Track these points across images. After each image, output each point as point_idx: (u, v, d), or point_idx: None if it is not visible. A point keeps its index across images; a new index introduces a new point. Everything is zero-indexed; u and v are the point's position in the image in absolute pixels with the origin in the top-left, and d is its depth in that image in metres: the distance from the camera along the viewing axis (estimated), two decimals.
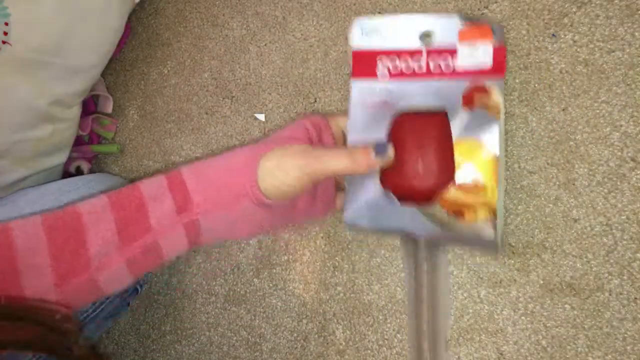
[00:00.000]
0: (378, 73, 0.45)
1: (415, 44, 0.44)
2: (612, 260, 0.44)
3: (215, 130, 0.63)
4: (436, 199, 0.42)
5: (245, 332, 0.59)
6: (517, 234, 0.47)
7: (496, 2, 0.50)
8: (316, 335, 0.55)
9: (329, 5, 0.58)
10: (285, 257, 0.57)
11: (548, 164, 0.47)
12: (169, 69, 0.67)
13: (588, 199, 0.45)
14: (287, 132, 0.44)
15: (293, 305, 0.56)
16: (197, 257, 0.62)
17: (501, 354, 0.47)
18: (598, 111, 0.45)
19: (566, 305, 0.45)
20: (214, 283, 0.61)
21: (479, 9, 0.50)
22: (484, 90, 0.42)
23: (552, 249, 0.46)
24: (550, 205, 0.46)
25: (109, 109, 0.69)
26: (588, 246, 0.45)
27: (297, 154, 0.39)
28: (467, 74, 0.43)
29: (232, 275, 0.60)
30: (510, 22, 0.49)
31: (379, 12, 0.56)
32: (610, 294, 0.44)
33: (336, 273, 0.54)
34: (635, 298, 0.43)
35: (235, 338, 0.59)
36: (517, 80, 0.48)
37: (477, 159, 0.41)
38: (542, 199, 0.47)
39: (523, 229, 0.47)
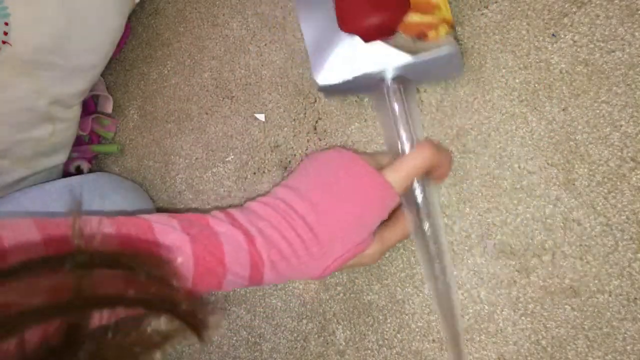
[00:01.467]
0: None
1: None
2: (612, 261, 0.44)
3: (215, 130, 0.63)
4: (397, 27, 0.44)
5: (245, 332, 0.59)
6: (517, 235, 0.47)
7: (496, 2, 0.50)
8: (316, 335, 0.55)
9: None
10: None
11: (548, 164, 0.47)
12: (169, 69, 0.67)
13: (588, 199, 0.45)
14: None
15: (293, 305, 0.56)
16: None
17: (501, 354, 0.47)
18: (598, 111, 0.45)
19: (566, 306, 0.45)
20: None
21: (478, 9, 0.50)
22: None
23: (552, 250, 0.46)
24: (550, 205, 0.46)
25: (109, 109, 0.69)
26: (588, 247, 0.45)
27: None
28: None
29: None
30: (510, 22, 0.49)
31: None
32: (610, 295, 0.44)
33: (336, 273, 0.54)
34: (635, 298, 0.43)
35: (235, 338, 0.59)
36: (517, 80, 0.48)
37: None
38: (542, 199, 0.46)
39: (523, 230, 0.47)
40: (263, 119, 0.60)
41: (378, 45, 0.45)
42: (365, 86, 0.49)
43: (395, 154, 0.46)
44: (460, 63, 0.46)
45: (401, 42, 0.44)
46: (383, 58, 0.45)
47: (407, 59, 0.44)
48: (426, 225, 0.45)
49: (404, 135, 0.46)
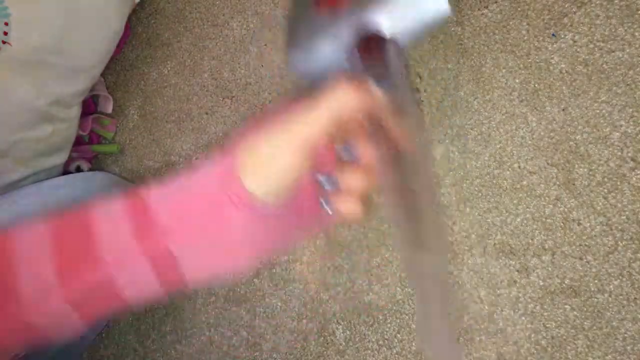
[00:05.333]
0: None
1: None
2: (612, 261, 0.44)
3: (215, 130, 0.63)
4: None
5: (245, 332, 0.59)
6: (517, 235, 0.47)
7: (496, 2, 0.50)
8: (316, 335, 0.55)
9: None
10: (285, 257, 0.57)
11: (548, 164, 0.47)
12: (169, 69, 0.67)
13: (588, 199, 0.45)
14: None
15: (293, 305, 0.56)
16: None
17: (501, 354, 0.47)
18: (598, 111, 0.45)
19: (566, 306, 0.45)
20: (214, 283, 0.61)
21: (478, 9, 0.50)
22: None
23: (552, 250, 0.46)
24: (550, 205, 0.46)
25: (109, 109, 0.69)
26: (588, 247, 0.45)
27: (283, 127, 0.28)
28: None
29: (232, 275, 0.60)
30: (510, 22, 0.49)
31: None
32: (610, 295, 0.44)
33: (336, 273, 0.54)
34: (635, 298, 0.43)
35: (235, 338, 0.59)
36: (517, 80, 0.48)
37: None
38: (542, 199, 0.46)
39: (523, 230, 0.47)
40: None
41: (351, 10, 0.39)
42: (335, 64, 0.40)
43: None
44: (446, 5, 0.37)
45: None
46: (358, 17, 0.38)
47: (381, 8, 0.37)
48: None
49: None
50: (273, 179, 0.28)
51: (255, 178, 0.28)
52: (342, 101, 0.28)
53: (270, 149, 0.28)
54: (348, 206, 0.30)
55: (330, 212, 0.31)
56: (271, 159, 0.28)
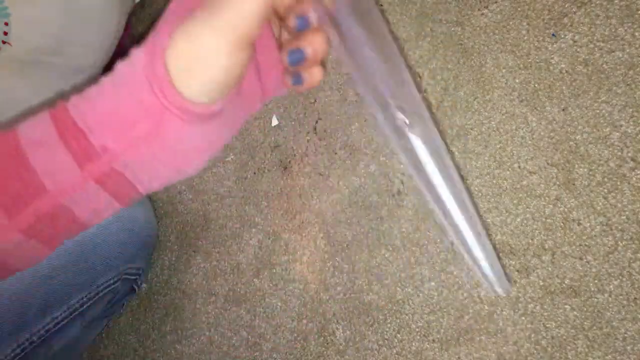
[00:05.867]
0: None
1: None
2: (612, 261, 0.44)
3: None
4: None
5: (245, 332, 0.59)
6: (517, 235, 0.47)
7: (496, 2, 0.50)
8: (316, 335, 0.55)
9: None
10: (285, 257, 0.57)
11: (548, 164, 0.47)
12: None
13: (588, 199, 0.45)
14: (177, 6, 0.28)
15: (293, 305, 0.56)
16: (197, 257, 0.62)
17: (501, 354, 0.47)
18: (598, 111, 0.45)
19: (566, 306, 0.45)
20: (214, 283, 0.61)
21: (479, 9, 0.50)
22: None
23: (552, 250, 0.46)
24: (550, 205, 0.46)
25: None
26: (588, 247, 0.45)
27: (206, 19, 0.24)
28: None
29: (232, 275, 0.60)
30: (510, 22, 0.49)
31: (379, 12, 0.56)
32: (610, 295, 0.44)
33: (336, 273, 0.54)
34: (635, 298, 0.43)
35: (235, 338, 0.59)
36: (517, 80, 0.48)
37: None
38: (542, 199, 0.46)
39: (523, 230, 0.47)
40: (277, 122, 0.60)
41: None
42: None
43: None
44: None
45: None
46: None
47: None
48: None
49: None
50: (212, 82, 0.25)
51: (190, 84, 0.25)
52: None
53: (203, 50, 0.24)
54: (315, 73, 0.29)
55: (300, 84, 0.29)
56: (206, 63, 0.24)
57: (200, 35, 0.24)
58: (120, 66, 0.26)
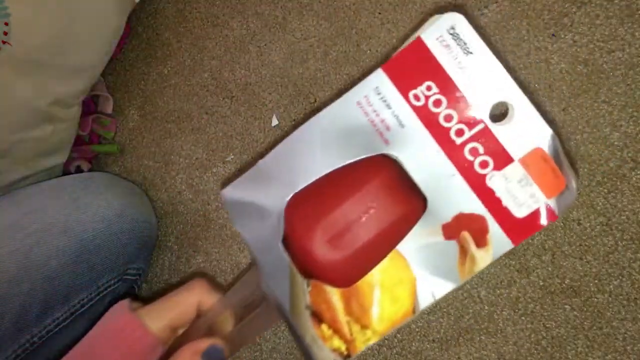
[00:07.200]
0: (411, 93, 0.28)
1: (482, 109, 0.27)
2: (612, 261, 0.44)
3: (215, 130, 0.63)
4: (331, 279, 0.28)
5: None
6: None
7: (496, 2, 0.50)
8: None
9: (328, 5, 0.58)
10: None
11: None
12: (169, 69, 0.67)
13: (588, 199, 0.45)
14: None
15: None
16: (197, 257, 0.62)
17: (501, 354, 0.47)
18: (598, 111, 0.45)
19: (566, 306, 0.45)
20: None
21: (479, 9, 0.50)
22: (482, 241, 0.27)
23: (552, 250, 0.46)
24: None
25: (109, 109, 0.69)
26: (588, 247, 0.45)
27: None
28: (489, 199, 0.27)
29: (232, 275, 0.60)
30: (510, 22, 0.49)
31: (379, 13, 0.56)
32: (610, 295, 0.44)
33: None
34: (635, 298, 0.43)
35: None
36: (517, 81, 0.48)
37: (398, 283, 0.28)
38: None
39: None
40: (277, 122, 0.60)
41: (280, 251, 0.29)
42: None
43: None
44: None
45: (299, 296, 0.29)
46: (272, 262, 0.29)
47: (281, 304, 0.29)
48: None
49: None
50: None
51: None
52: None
53: None
54: None
55: None
56: None
57: None
58: None
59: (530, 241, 0.47)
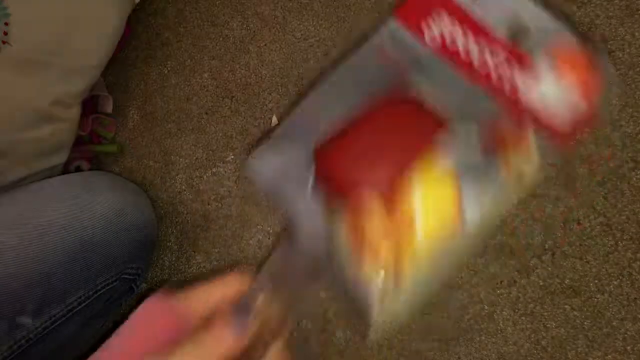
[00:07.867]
0: (426, 34, 0.28)
1: (500, 30, 0.27)
2: (612, 261, 0.44)
3: (215, 130, 0.63)
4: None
5: None
6: (517, 235, 0.47)
7: None
8: (316, 336, 0.55)
9: (328, 5, 0.58)
10: None
11: (548, 164, 0.47)
12: (169, 69, 0.67)
13: (588, 199, 0.45)
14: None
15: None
16: (197, 257, 0.62)
17: (501, 354, 0.47)
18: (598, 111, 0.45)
19: (566, 306, 0.45)
20: None
21: None
22: (525, 149, 0.27)
23: (552, 250, 0.46)
24: (550, 205, 0.46)
25: (109, 109, 0.69)
26: (588, 247, 0.45)
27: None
28: (525, 113, 0.27)
29: None
30: None
31: (379, 13, 0.56)
32: (610, 295, 0.44)
33: None
34: (635, 298, 0.43)
35: None
36: None
37: (439, 204, 0.27)
38: (542, 199, 0.46)
39: (523, 230, 0.47)
40: (277, 122, 0.60)
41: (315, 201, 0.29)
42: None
43: None
44: (371, 317, 0.30)
45: (337, 226, 0.29)
46: (308, 210, 0.30)
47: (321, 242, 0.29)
48: None
49: None
50: None
51: None
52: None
53: None
54: None
55: None
56: None
57: None
58: None
59: (530, 241, 0.47)
